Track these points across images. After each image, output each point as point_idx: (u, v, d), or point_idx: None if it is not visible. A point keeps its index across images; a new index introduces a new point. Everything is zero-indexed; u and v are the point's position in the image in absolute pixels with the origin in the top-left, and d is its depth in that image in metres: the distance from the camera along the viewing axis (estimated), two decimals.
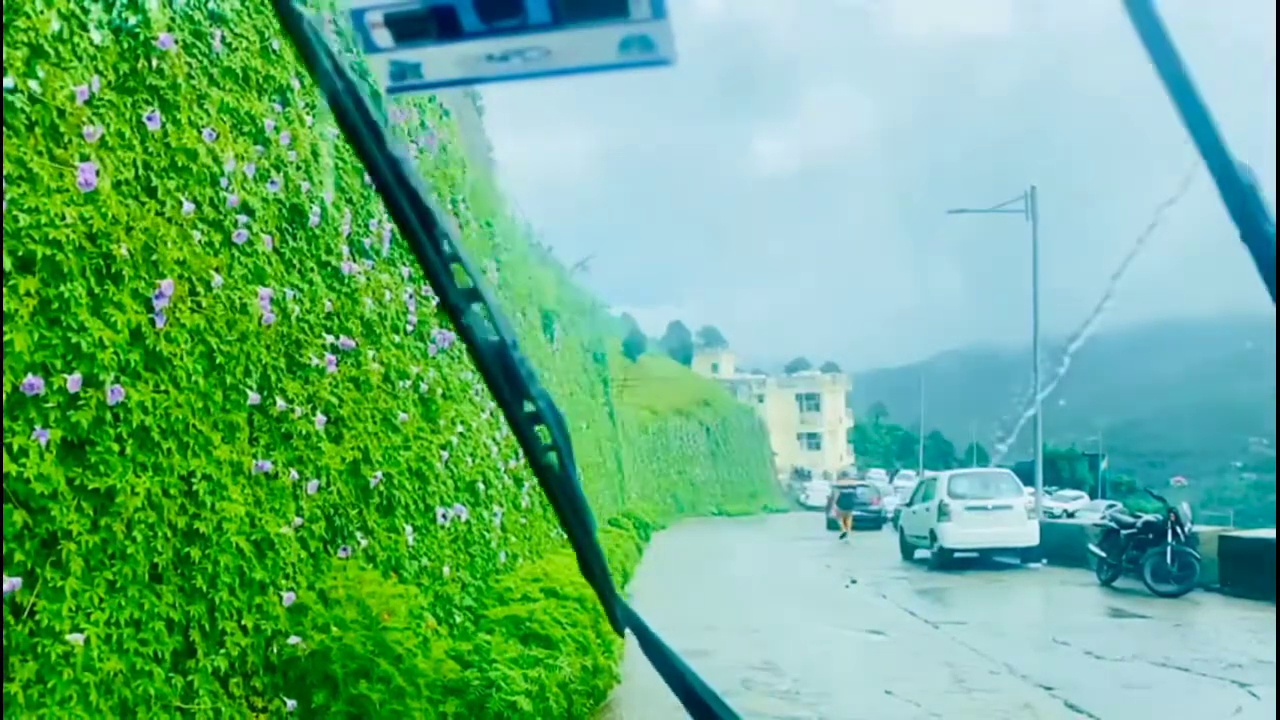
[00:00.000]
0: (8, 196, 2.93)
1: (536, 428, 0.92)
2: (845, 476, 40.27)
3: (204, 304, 3.91)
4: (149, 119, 3.65)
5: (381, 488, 5.60)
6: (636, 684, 6.95)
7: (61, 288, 3.09)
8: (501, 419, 9.31)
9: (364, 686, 4.16)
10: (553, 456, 0.93)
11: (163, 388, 3.55)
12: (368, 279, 5.85)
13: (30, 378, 2.92)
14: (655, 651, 0.99)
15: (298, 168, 5.00)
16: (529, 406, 0.91)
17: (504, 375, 0.90)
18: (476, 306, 0.89)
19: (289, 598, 4.28)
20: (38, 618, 2.90)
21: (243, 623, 3.93)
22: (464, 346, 0.90)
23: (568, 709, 5.61)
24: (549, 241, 22.66)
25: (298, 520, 4.56)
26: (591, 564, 0.99)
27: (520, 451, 10.18)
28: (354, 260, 5.67)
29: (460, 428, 7.44)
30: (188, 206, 3.86)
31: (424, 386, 6.68)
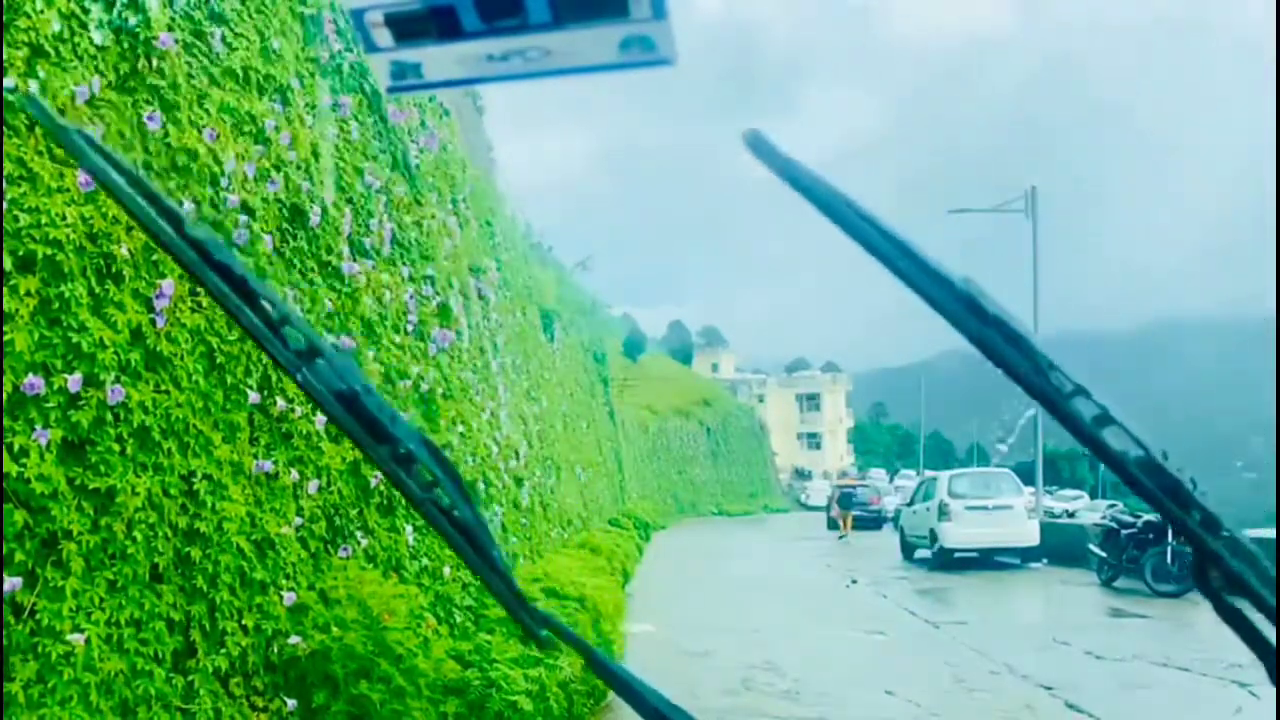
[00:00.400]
0: (9, 196, 2.93)
1: (414, 466, 0.91)
2: (845, 476, 40.25)
3: (204, 304, 3.91)
4: (149, 119, 3.65)
5: (382, 487, 5.60)
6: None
7: (62, 287, 3.09)
8: (502, 418, 9.32)
9: (364, 686, 4.16)
10: (438, 492, 0.92)
11: (163, 387, 3.55)
12: (368, 279, 5.85)
13: (31, 377, 2.92)
14: (601, 668, 0.97)
15: (298, 167, 5.00)
16: (400, 448, 0.90)
17: (361, 423, 0.89)
18: (319, 362, 0.88)
19: (289, 597, 4.28)
20: (38, 617, 2.90)
21: (243, 622, 3.93)
22: (313, 403, 0.89)
23: (568, 709, 5.61)
24: (549, 241, 22.65)
25: (298, 520, 4.56)
26: (496, 584, 0.97)
27: (520, 452, 10.18)
28: (354, 260, 5.67)
29: (460, 428, 7.44)
30: (188, 206, 3.86)
31: (424, 386, 6.68)
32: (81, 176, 3.18)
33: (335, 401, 0.89)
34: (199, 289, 3.86)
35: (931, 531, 18.44)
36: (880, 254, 0.77)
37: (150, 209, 0.86)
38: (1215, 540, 0.78)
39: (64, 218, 3.10)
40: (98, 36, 3.40)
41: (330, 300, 5.27)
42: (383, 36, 0.70)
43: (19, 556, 2.86)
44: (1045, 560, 18.06)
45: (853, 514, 28.85)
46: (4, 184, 2.91)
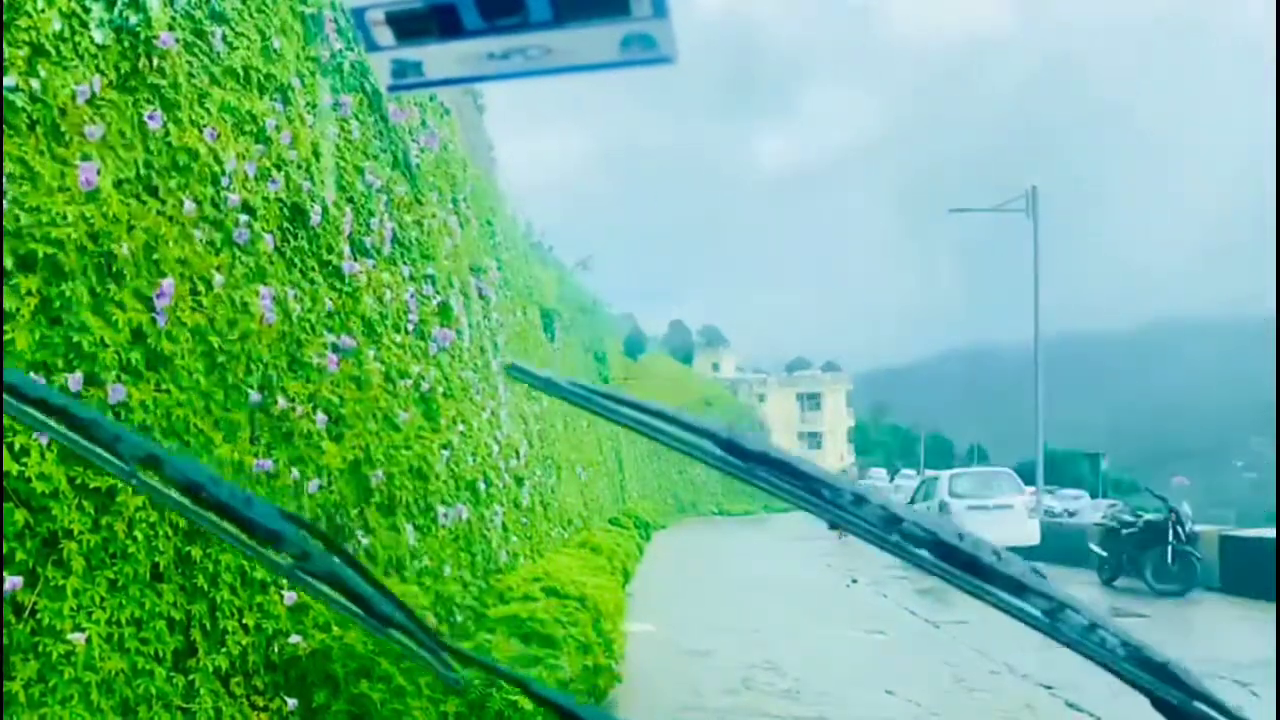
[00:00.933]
0: (10, 196, 2.93)
1: (281, 544, 0.89)
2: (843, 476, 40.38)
3: (205, 303, 3.91)
4: (150, 118, 3.65)
5: (382, 487, 5.60)
6: (638, 684, 6.96)
7: (63, 287, 3.09)
8: (503, 417, 9.33)
9: (365, 686, 4.17)
10: (314, 560, 0.89)
11: (164, 387, 3.55)
12: (369, 278, 5.85)
13: (32, 376, 2.92)
14: (525, 688, 0.91)
15: (299, 167, 5.00)
16: (261, 530, 0.88)
17: (218, 512, 0.88)
18: (162, 464, 0.87)
19: (290, 597, 4.28)
20: (39, 617, 2.90)
21: (244, 622, 3.93)
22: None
23: None
24: (550, 240, 22.66)
25: None
26: (404, 630, 0.92)
27: (520, 451, 10.17)
28: (355, 259, 5.68)
29: (461, 427, 7.44)
30: (189, 205, 3.86)
31: (425, 385, 6.68)
32: (82, 176, 3.18)
33: (181, 497, 0.88)
34: (198, 291, 3.86)
35: None
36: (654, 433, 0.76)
37: None
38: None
39: (65, 217, 3.10)
40: (98, 35, 3.40)
41: (331, 299, 5.27)
42: (384, 35, 0.70)
43: (20, 556, 2.86)
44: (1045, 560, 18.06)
45: None
46: (5, 183, 2.91)
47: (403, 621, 0.91)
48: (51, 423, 0.86)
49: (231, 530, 0.88)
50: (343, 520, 5.09)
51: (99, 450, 0.87)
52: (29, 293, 2.97)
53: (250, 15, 4.66)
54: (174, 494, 0.88)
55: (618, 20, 0.66)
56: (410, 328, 6.58)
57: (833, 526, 23.15)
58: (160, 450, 0.89)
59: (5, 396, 0.85)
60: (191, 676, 3.54)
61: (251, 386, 4.24)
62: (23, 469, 2.86)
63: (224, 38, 4.35)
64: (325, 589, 0.90)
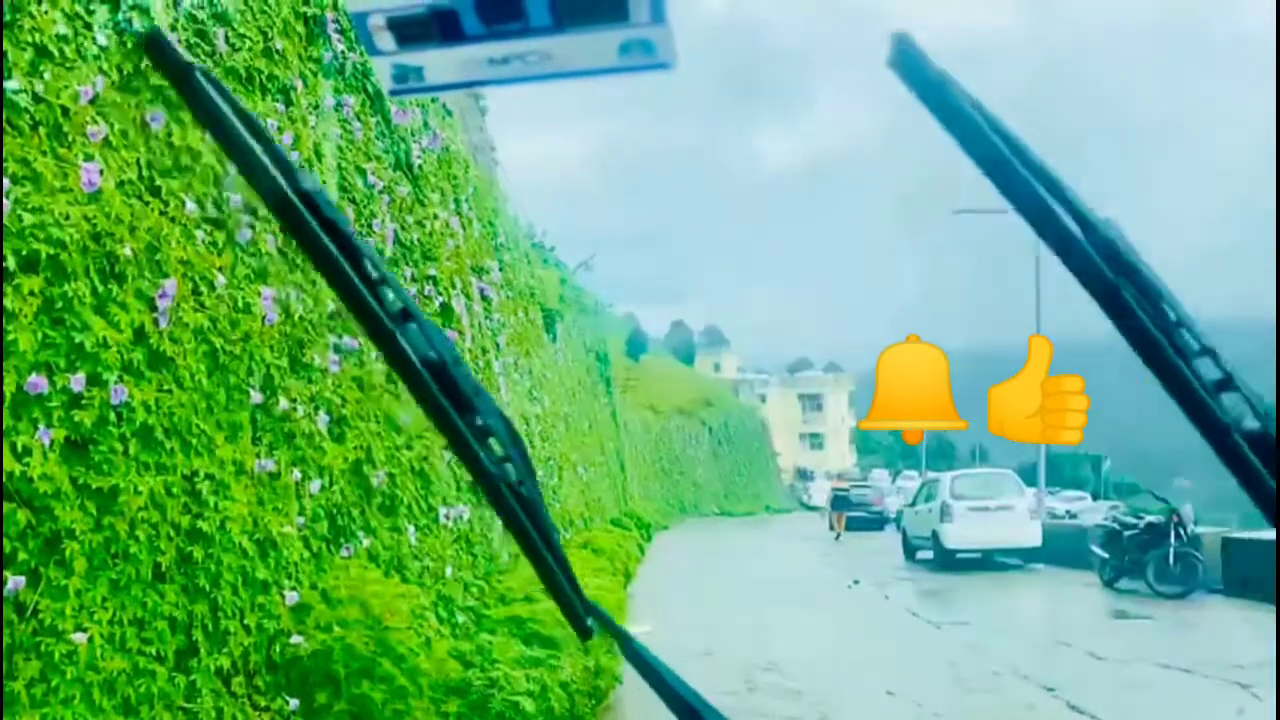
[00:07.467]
0: (12, 196, 2.94)
1: (489, 440, 0.90)
2: (842, 477, 40.35)
3: (207, 303, 3.92)
4: (152, 119, 3.66)
5: (384, 487, 5.60)
6: (638, 684, 6.94)
7: (65, 287, 3.09)
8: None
9: (366, 686, 4.17)
10: (508, 468, 0.91)
11: (166, 387, 3.56)
12: None
13: (34, 377, 2.93)
14: (642, 662, 0.98)
15: (301, 167, 5.00)
16: (478, 421, 0.89)
17: (446, 393, 0.88)
18: (411, 326, 0.87)
19: (292, 597, 4.28)
20: (41, 616, 2.90)
21: (245, 622, 3.93)
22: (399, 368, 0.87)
23: (570, 709, 5.61)
24: (552, 241, 22.68)
25: (300, 520, 4.57)
26: (552, 570, 0.97)
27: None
28: None
29: None
30: (191, 206, 3.86)
31: None
32: (85, 177, 3.19)
33: (422, 368, 0.87)
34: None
35: (934, 532, 18.42)
36: (1010, 186, 0.71)
37: (264, 158, 0.84)
38: None
39: (67, 217, 3.11)
40: (101, 37, 3.41)
41: (333, 300, 5.28)
42: (385, 40, 0.70)
43: (22, 555, 2.87)
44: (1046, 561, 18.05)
45: (846, 515, 29.39)
46: (7, 183, 2.92)
47: (559, 555, 0.97)
48: (330, 248, 0.84)
49: (451, 414, 0.88)
50: (344, 521, 5.10)
51: (366, 295, 0.86)
52: (31, 293, 2.98)
53: (253, 17, 4.66)
54: (415, 360, 0.87)
55: (617, 26, 0.66)
56: None
57: (831, 527, 23.09)
58: (419, 311, 0.89)
59: None
60: (193, 676, 3.54)
61: (253, 387, 4.24)
62: (25, 469, 2.87)
63: (226, 39, 4.35)
64: (512, 501, 0.92)
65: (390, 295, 0.87)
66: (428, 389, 0.87)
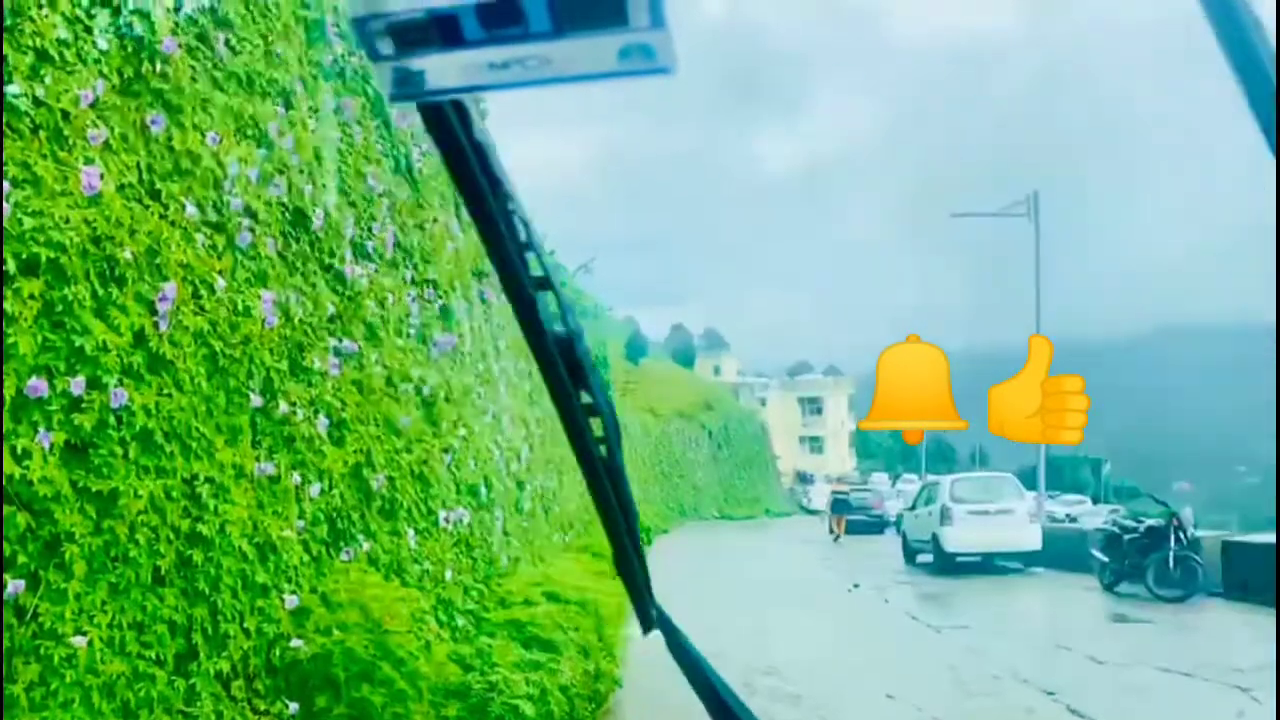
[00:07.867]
0: (13, 200, 2.94)
1: (591, 419, 0.93)
2: (840, 481, 40.40)
3: (207, 307, 3.92)
4: (153, 122, 3.66)
5: (384, 491, 5.60)
6: (638, 688, 6.95)
7: (65, 290, 3.10)
8: (504, 421, 9.32)
9: (366, 690, 4.17)
10: (603, 449, 0.94)
11: (166, 390, 3.56)
12: (370, 282, 5.86)
13: (34, 380, 2.93)
14: (684, 656, 0.99)
15: (301, 171, 5.01)
16: (586, 398, 0.92)
17: (567, 366, 0.90)
18: (546, 295, 0.89)
19: (291, 600, 4.28)
20: (40, 620, 2.90)
21: (245, 625, 3.93)
22: (532, 337, 0.88)
23: (569, 712, 5.61)
24: (552, 244, 22.66)
25: (300, 523, 4.56)
26: (630, 557, 0.99)
27: (522, 455, 10.20)
28: (357, 263, 5.68)
29: (462, 431, 7.45)
30: (191, 209, 3.87)
31: (426, 390, 6.69)
32: (85, 180, 3.19)
33: (552, 338, 0.89)
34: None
35: (933, 536, 18.41)
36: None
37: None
38: None
39: (67, 221, 3.11)
40: (102, 42, 3.41)
41: (333, 303, 5.28)
42: (385, 45, 0.70)
43: (21, 559, 2.87)
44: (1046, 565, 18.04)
45: (845, 518, 29.52)
46: (7, 186, 2.92)
47: (638, 549, 0.98)
48: (491, 203, 0.85)
49: (569, 388, 0.91)
50: (343, 524, 5.10)
51: (515, 258, 0.87)
52: (31, 296, 2.98)
53: (253, 20, 4.67)
54: (547, 329, 0.88)
55: (616, 31, 0.66)
56: (412, 332, 6.59)
57: (830, 530, 23.05)
58: (555, 281, 0.89)
59: None
60: (192, 680, 3.54)
61: (253, 390, 4.24)
62: (25, 472, 2.87)
63: (227, 42, 4.36)
64: (607, 484, 0.94)
65: (534, 259, 0.88)
66: (554, 360, 0.89)
